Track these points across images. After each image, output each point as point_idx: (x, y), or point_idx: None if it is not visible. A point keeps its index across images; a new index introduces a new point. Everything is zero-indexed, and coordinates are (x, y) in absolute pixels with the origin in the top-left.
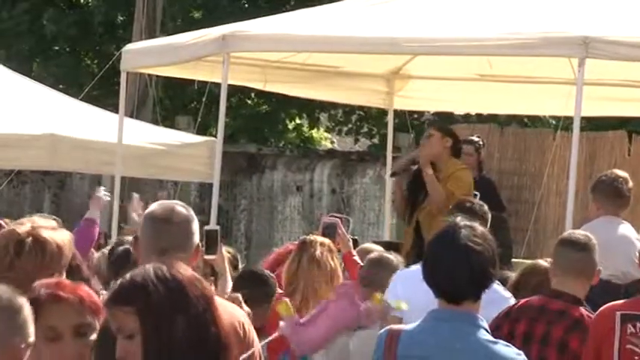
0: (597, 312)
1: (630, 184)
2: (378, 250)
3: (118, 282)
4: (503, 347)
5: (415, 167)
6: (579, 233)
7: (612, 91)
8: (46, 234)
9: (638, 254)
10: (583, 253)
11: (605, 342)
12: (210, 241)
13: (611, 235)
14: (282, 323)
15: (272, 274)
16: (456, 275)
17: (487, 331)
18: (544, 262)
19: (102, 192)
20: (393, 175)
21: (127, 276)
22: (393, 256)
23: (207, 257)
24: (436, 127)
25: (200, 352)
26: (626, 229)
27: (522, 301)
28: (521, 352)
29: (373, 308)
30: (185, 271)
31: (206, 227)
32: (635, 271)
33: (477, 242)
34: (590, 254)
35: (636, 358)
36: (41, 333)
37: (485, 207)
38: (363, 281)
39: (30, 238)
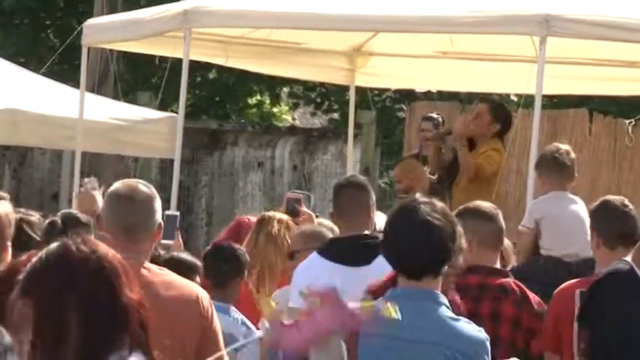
0: (557, 289)
1: (572, 155)
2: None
3: None
4: (465, 324)
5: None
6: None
7: (574, 70)
8: None
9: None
10: (491, 223)
11: (564, 319)
12: (169, 226)
13: (563, 213)
14: (264, 323)
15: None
16: (417, 251)
17: (448, 308)
18: None
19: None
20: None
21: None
22: (326, 229)
23: (164, 242)
24: (488, 109)
25: (96, 330)
26: (577, 207)
27: None
28: (481, 329)
29: (362, 313)
30: (88, 246)
31: (166, 212)
32: (587, 252)
33: (437, 217)
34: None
35: None
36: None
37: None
38: (291, 256)
39: None
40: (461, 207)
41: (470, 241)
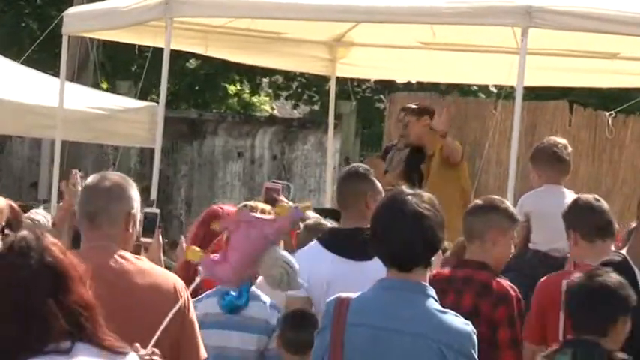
0: (543, 280)
1: (569, 149)
2: (313, 217)
3: None
4: (452, 317)
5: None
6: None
7: (555, 61)
8: None
9: None
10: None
11: (550, 310)
12: (148, 224)
13: (551, 207)
14: (200, 268)
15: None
16: (410, 242)
17: (436, 301)
18: None
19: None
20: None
21: None
22: (329, 222)
23: (143, 240)
24: (408, 113)
25: (29, 324)
26: (568, 201)
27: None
28: (469, 322)
29: (281, 216)
30: (33, 244)
31: (145, 210)
32: None
33: (426, 208)
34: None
35: None
36: None
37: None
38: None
39: None
40: None
41: None
